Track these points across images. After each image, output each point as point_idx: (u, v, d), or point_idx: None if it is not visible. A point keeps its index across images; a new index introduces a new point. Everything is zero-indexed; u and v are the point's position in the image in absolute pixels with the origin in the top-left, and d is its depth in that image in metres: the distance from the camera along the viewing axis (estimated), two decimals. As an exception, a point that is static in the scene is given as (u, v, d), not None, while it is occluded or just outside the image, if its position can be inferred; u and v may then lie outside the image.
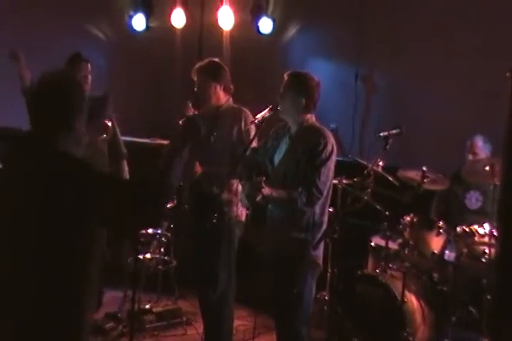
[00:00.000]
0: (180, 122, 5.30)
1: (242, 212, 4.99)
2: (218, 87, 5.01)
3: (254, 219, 5.04)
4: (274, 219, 4.58)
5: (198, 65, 5.08)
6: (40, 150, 2.78)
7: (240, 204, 4.92)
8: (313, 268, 4.50)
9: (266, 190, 4.29)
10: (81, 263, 2.78)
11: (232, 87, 5.10)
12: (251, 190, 4.37)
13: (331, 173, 4.48)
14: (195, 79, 5.06)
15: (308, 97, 4.46)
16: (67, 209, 2.67)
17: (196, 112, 5.01)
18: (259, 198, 4.33)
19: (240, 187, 4.86)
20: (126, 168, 6.14)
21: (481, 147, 5.93)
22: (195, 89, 5.06)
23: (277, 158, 4.62)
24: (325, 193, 4.42)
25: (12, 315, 2.73)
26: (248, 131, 4.86)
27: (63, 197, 2.67)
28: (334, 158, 4.46)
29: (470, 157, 5.95)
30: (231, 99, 5.10)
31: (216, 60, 5.12)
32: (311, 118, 4.56)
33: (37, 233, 2.70)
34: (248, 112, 4.92)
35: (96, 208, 2.71)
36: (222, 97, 5.05)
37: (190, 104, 5.04)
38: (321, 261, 4.55)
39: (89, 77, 5.95)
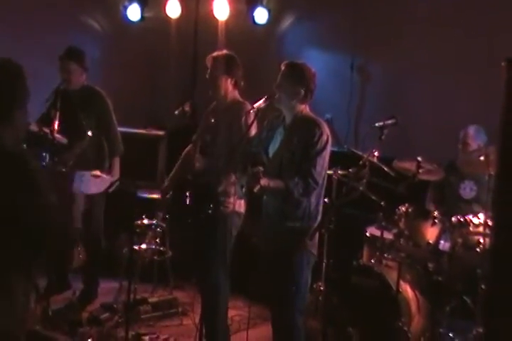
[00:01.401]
0: (176, 112, 5.32)
1: (241, 204, 4.99)
2: (229, 81, 5.00)
3: (250, 210, 5.05)
4: (269, 209, 4.59)
5: (215, 54, 5.08)
6: None
7: (237, 196, 4.91)
8: (309, 257, 4.52)
9: (263, 181, 4.31)
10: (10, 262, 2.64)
11: (242, 83, 5.09)
12: (249, 180, 4.38)
13: (326, 164, 4.49)
14: (209, 66, 5.05)
15: (306, 87, 4.47)
16: None
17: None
18: (256, 188, 4.34)
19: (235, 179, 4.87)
20: (117, 166, 6.10)
21: (473, 136, 5.91)
22: (207, 76, 5.07)
23: (272, 149, 4.63)
24: (320, 183, 4.43)
25: None
26: (246, 124, 4.86)
27: None
28: (329, 148, 4.47)
29: (460, 146, 5.94)
30: (236, 93, 5.08)
31: (231, 53, 5.09)
32: (306, 108, 4.57)
33: None
34: (248, 106, 4.89)
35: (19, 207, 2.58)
36: (230, 91, 5.03)
37: (189, 104, 5.07)
38: (316, 251, 4.57)
39: (73, 74, 5.93)
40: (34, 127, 5.63)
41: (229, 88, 5.02)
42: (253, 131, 4.78)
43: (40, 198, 2.62)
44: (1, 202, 2.56)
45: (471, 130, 5.91)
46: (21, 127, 2.78)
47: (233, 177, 4.86)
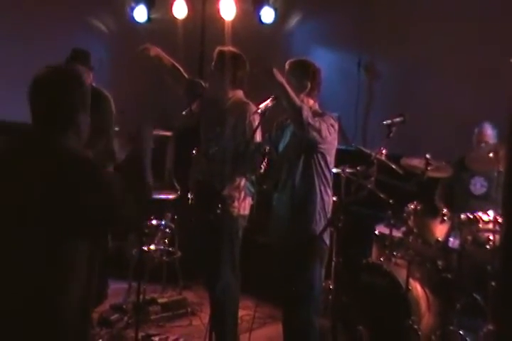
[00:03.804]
0: (184, 113, 5.30)
1: (246, 205, 4.98)
2: (227, 78, 4.98)
3: (259, 208, 5.04)
4: (280, 208, 4.59)
5: (222, 48, 5.07)
6: (42, 149, 2.71)
7: (242, 198, 4.90)
8: (322, 255, 4.52)
9: (279, 76, 4.22)
10: (69, 263, 2.68)
11: (243, 82, 5.06)
12: (263, 72, 4.27)
13: (332, 156, 4.49)
14: (214, 58, 5.04)
15: (311, 80, 4.50)
16: (65, 208, 2.60)
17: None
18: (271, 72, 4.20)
19: (243, 182, 4.86)
20: None
21: (491, 135, 5.93)
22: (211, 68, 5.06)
23: (282, 146, 4.65)
24: (328, 174, 4.49)
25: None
26: (251, 125, 4.84)
27: (64, 196, 2.60)
28: (336, 141, 4.46)
29: (476, 144, 5.94)
30: (240, 93, 5.07)
31: (234, 50, 5.06)
32: (315, 105, 4.59)
33: (33, 232, 2.62)
34: (252, 107, 4.87)
35: (92, 209, 2.65)
36: (229, 89, 5.01)
37: (197, 104, 5.07)
38: (327, 246, 4.58)
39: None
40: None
41: (226, 86, 5.00)
42: (259, 133, 4.77)
43: (109, 199, 2.69)
44: (67, 204, 2.61)
45: (489, 130, 5.91)
46: (86, 131, 2.84)
47: (238, 182, 4.85)
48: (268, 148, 4.42)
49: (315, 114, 4.46)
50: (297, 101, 4.28)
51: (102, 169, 2.74)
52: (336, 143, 4.52)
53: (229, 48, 5.09)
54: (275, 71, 4.22)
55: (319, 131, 4.31)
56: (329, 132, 4.40)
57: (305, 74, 4.51)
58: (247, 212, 5.00)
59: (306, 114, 4.25)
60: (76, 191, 2.61)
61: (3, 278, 2.65)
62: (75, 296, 2.68)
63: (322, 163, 4.48)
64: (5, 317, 2.62)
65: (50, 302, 2.64)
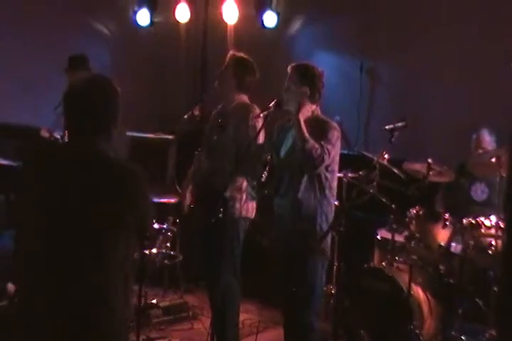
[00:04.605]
0: (186, 116, 5.32)
1: (248, 208, 4.98)
2: (233, 82, 5.00)
3: (262, 212, 5.04)
4: (282, 211, 4.59)
5: (234, 53, 5.09)
6: (76, 153, 2.81)
7: (244, 200, 4.90)
8: (323, 258, 4.52)
9: (301, 121, 4.33)
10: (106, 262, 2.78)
11: (250, 88, 5.07)
12: (292, 99, 4.40)
13: (337, 161, 4.50)
14: (226, 60, 5.06)
15: (312, 86, 4.49)
16: (103, 212, 2.70)
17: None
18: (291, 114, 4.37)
19: (245, 184, 4.86)
20: None
21: (489, 141, 5.91)
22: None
23: (284, 150, 4.64)
24: (332, 176, 4.47)
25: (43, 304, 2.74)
26: (254, 127, 4.85)
27: (93, 198, 2.70)
28: (339, 146, 4.46)
29: (474, 150, 5.93)
30: (245, 97, 5.07)
31: (246, 57, 5.07)
32: (317, 110, 4.57)
33: (68, 231, 2.72)
34: (255, 109, 4.88)
35: (130, 214, 2.76)
36: (235, 93, 5.03)
37: (198, 108, 5.07)
38: (328, 252, 4.57)
39: None
40: (45, 133, 5.64)
41: (232, 89, 5.01)
42: (261, 136, 4.78)
43: (136, 202, 2.82)
44: (94, 205, 2.72)
45: (487, 136, 5.90)
46: (121, 142, 2.95)
47: (240, 183, 4.85)
48: (269, 157, 4.41)
49: (317, 120, 4.47)
50: (310, 142, 4.31)
51: (134, 173, 2.81)
52: (339, 150, 4.51)
53: (242, 54, 5.11)
54: (300, 117, 4.34)
55: (326, 160, 4.35)
56: (335, 147, 4.43)
57: (303, 79, 4.48)
58: (249, 214, 5.00)
59: (320, 153, 4.29)
60: (105, 193, 2.71)
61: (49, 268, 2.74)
62: (115, 301, 2.77)
63: (328, 175, 4.47)
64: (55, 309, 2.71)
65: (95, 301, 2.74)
